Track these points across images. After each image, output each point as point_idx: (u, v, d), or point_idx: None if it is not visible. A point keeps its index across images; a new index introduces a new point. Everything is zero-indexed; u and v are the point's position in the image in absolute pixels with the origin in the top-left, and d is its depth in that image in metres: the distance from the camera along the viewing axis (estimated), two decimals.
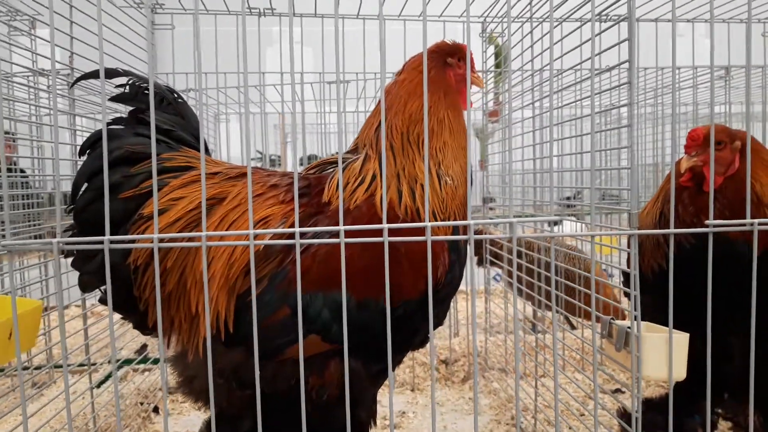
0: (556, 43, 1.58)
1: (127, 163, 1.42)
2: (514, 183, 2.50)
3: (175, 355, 1.47)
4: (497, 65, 2.84)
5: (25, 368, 2.31)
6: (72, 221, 1.43)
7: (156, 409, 2.40)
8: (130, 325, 1.48)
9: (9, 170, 2.53)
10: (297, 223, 1.22)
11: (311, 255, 1.31)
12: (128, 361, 2.81)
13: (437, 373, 2.69)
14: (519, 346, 1.87)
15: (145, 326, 1.43)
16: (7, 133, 2.71)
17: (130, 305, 1.40)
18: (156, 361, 2.73)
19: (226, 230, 1.37)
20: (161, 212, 1.37)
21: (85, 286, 1.43)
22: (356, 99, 3.14)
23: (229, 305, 1.33)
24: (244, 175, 1.44)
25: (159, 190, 1.38)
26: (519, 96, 2.44)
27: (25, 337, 1.46)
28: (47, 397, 2.31)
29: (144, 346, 3.04)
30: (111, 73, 1.46)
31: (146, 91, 1.47)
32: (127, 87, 1.50)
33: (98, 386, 2.44)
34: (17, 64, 2.18)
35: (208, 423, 1.47)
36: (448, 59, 1.53)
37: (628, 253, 1.45)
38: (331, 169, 1.47)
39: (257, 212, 1.37)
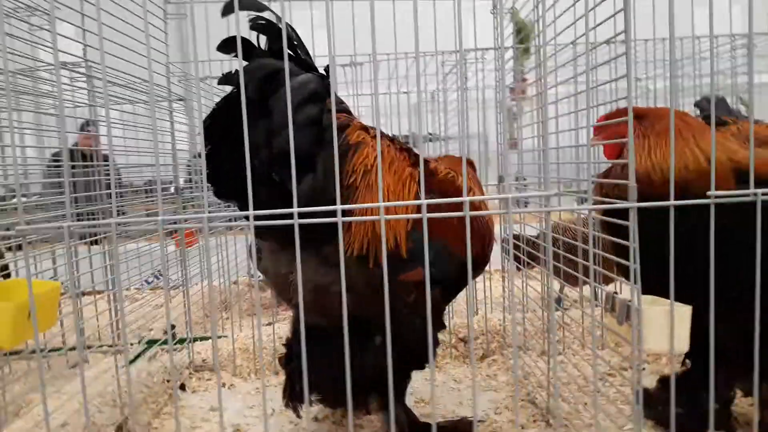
0: (590, 10, 1.55)
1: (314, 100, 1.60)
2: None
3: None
4: (521, 41, 2.79)
5: (59, 349, 2.43)
6: None
7: (182, 387, 2.50)
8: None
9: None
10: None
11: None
12: (157, 341, 2.91)
13: (455, 351, 2.72)
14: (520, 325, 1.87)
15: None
16: (87, 125, 2.80)
17: None
18: (182, 341, 2.82)
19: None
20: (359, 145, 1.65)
21: None
22: (370, 81, 3.13)
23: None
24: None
25: (349, 126, 1.67)
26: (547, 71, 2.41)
27: (44, 318, 1.52)
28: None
29: (172, 327, 3.13)
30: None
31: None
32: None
33: (130, 364, 2.54)
34: (39, 60, 2.26)
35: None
36: None
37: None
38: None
39: (404, 171, 1.72)
